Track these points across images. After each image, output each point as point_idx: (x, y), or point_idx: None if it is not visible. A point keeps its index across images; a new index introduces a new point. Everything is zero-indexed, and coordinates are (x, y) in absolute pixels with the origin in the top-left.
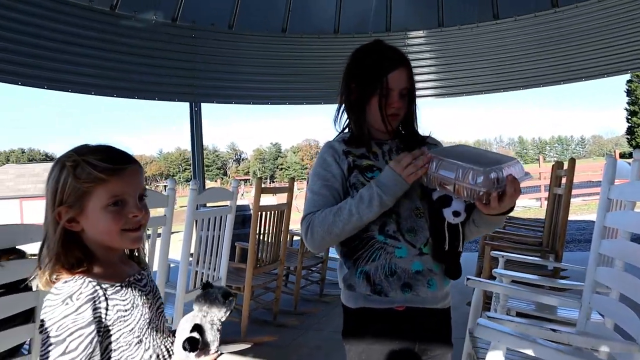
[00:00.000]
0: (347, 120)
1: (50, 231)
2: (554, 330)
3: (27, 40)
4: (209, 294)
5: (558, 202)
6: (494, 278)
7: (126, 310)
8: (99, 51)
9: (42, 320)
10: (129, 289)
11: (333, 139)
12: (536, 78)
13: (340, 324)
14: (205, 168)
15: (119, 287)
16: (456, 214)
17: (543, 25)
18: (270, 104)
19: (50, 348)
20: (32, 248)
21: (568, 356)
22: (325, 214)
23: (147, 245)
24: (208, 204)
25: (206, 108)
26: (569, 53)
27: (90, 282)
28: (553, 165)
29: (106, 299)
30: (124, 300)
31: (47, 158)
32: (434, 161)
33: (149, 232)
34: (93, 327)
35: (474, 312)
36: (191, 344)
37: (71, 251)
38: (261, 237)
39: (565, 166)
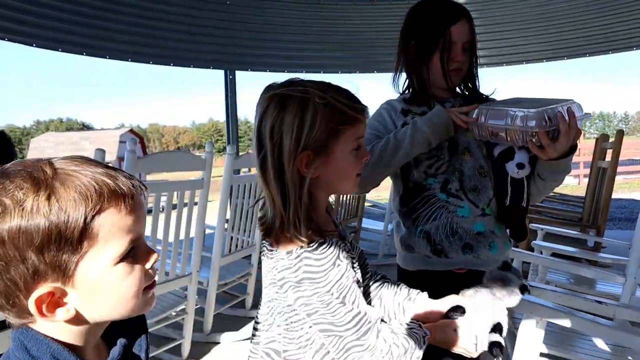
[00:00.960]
0: (406, 82)
1: (290, 185)
2: (599, 302)
3: (64, 6)
4: (507, 279)
5: (602, 177)
6: (532, 250)
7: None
8: (135, 17)
9: (313, 285)
10: (341, 241)
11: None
12: (581, 47)
13: None
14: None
15: (340, 241)
16: (520, 165)
17: None
18: (305, 72)
19: (337, 308)
20: None
21: (609, 329)
22: (372, 149)
23: (184, 210)
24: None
25: (239, 77)
26: (617, 20)
27: (338, 240)
28: (597, 138)
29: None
30: (349, 252)
31: (84, 127)
32: (483, 112)
33: (185, 199)
34: (356, 283)
35: None
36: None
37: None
38: None
39: (612, 139)
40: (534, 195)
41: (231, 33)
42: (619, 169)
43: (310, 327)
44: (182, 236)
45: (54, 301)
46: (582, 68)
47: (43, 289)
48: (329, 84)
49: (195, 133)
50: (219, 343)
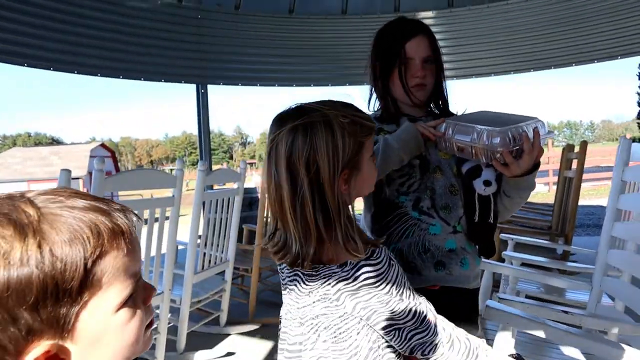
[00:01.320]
0: (376, 100)
1: (334, 208)
2: (565, 312)
3: (32, 21)
4: None
5: (568, 186)
6: (502, 261)
7: None
8: (104, 32)
9: (371, 290)
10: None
11: None
12: (547, 60)
13: None
14: (211, 151)
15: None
16: (487, 183)
17: (555, 5)
18: (278, 85)
19: (395, 305)
20: None
21: (578, 337)
22: None
23: (155, 227)
24: (215, 187)
25: (212, 91)
26: (581, 34)
27: (382, 244)
28: (564, 148)
29: None
30: None
31: (53, 141)
32: (450, 126)
33: (156, 214)
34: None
35: (483, 295)
36: None
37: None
38: (269, 219)
39: (577, 149)
40: (501, 213)
41: (202, 47)
42: (587, 176)
43: (358, 333)
44: (153, 253)
45: (52, 358)
46: (549, 79)
47: (38, 349)
48: (335, 101)
49: (168, 146)
50: None
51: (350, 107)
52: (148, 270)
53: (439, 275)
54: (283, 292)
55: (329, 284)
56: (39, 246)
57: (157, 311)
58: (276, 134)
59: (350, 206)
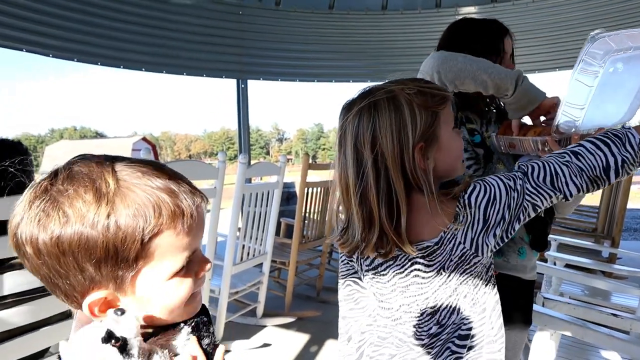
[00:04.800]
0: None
1: (398, 186)
2: (615, 315)
3: (81, 18)
4: None
5: (616, 187)
6: (545, 261)
7: None
8: (149, 28)
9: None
10: None
11: None
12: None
13: None
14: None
15: None
16: None
17: None
18: (317, 81)
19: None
20: None
21: (627, 343)
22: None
23: None
24: (253, 182)
25: (251, 87)
26: (631, 27)
27: None
28: None
29: None
30: None
31: (97, 135)
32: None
33: None
34: None
35: None
36: None
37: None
38: (307, 214)
39: None
40: (559, 207)
41: (243, 43)
42: (635, 178)
43: (465, 296)
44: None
45: (107, 303)
46: None
47: (97, 294)
48: (401, 78)
49: (206, 141)
50: (229, 351)
51: (418, 80)
52: None
53: (497, 262)
54: (383, 301)
55: (460, 242)
56: (108, 215)
57: None
58: (344, 120)
59: (431, 181)
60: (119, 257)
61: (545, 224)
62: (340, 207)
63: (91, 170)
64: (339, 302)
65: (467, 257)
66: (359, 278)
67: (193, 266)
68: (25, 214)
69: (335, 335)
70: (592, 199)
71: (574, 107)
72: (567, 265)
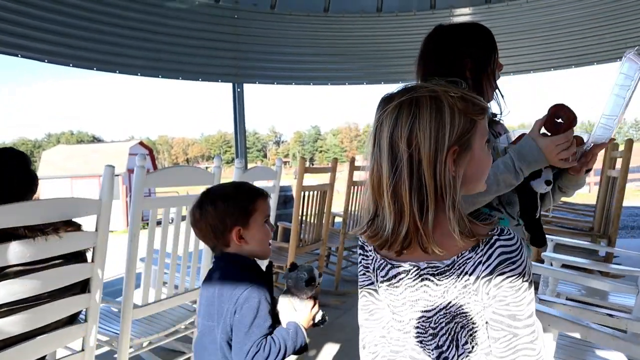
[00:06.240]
0: None
1: (430, 185)
2: (610, 315)
3: (76, 23)
4: (292, 277)
5: (612, 186)
6: (542, 262)
7: None
8: (144, 33)
9: (508, 266)
10: None
11: None
12: (589, 55)
13: None
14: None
15: None
16: (548, 182)
17: None
18: (313, 84)
19: (527, 292)
20: (87, 221)
21: (624, 342)
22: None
23: None
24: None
25: (246, 91)
26: (627, 28)
27: None
28: (607, 147)
29: None
30: None
31: (94, 139)
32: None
33: None
34: None
35: None
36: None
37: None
38: (303, 217)
39: (621, 147)
40: (545, 205)
41: (239, 46)
42: (631, 176)
43: (462, 327)
44: (191, 249)
45: (239, 236)
46: (590, 74)
47: (236, 229)
48: (442, 81)
49: (204, 144)
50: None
51: (461, 86)
52: (186, 265)
53: None
54: (395, 313)
55: (467, 272)
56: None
57: (194, 305)
58: (382, 112)
59: (457, 189)
60: (244, 210)
61: (541, 223)
62: (367, 199)
63: None
64: (358, 311)
65: (469, 291)
66: (375, 290)
67: (268, 224)
68: None
69: (334, 338)
70: (588, 198)
71: (610, 118)
72: (564, 266)
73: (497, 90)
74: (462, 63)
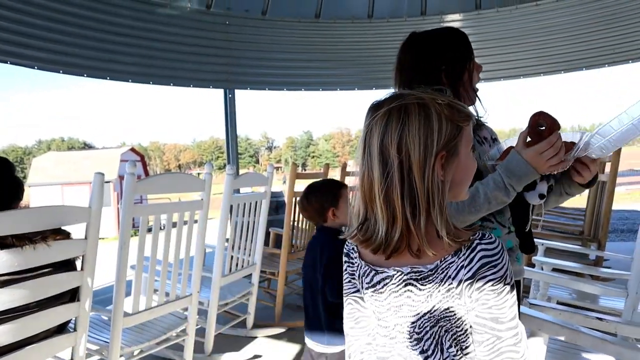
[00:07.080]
0: None
1: (421, 190)
2: (600, 319)
3: (66, 29)
4: None
5: (601, 190)
6: (533, 266)
7: None
8: (135, 39)
9: (489, 270)
10: None
11: None
12: (579, 61)
13: None
14: (238, 155)
15: None
16: (542, 196)
17: (587, 5)
18: (304, 90)
19: (509, 296)
20: (75, 229)
21: (614, 345)
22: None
23: (184, 230)
24: (241, 191)
25: (239, 97)
26: (614, 34)
27: None
28: None
29: None
30: None
31: (85, 146)
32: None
33: (185, 218)
34: None
35: None
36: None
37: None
38: (295, 223)
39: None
40: (548, 205)
41: (230, 52)
42: (621, 179)
43: (446, 331)
44: (182, 255)
45: (333, 213)
46: (578, 80)
47: (331, 209)
48: (429, 90)
49: (195, 150)
50: None
51: (446, 94)
52: (177, 272)
53: None
54: (381, 319)
55: (450, 276)
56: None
57: (186, 313)
58: (371, 118)
59: (445, 193)
60: (328, 193)
61: (531, 230)
62: (357, 203)
63: None
64: (344, 319)
65: (452, 294)
66: (361, 297)
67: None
68: None
69: None
70: (579, 201)
71: (612, 143)
72: (555, 269)
73: (476, 94)
74: (438, 69)
